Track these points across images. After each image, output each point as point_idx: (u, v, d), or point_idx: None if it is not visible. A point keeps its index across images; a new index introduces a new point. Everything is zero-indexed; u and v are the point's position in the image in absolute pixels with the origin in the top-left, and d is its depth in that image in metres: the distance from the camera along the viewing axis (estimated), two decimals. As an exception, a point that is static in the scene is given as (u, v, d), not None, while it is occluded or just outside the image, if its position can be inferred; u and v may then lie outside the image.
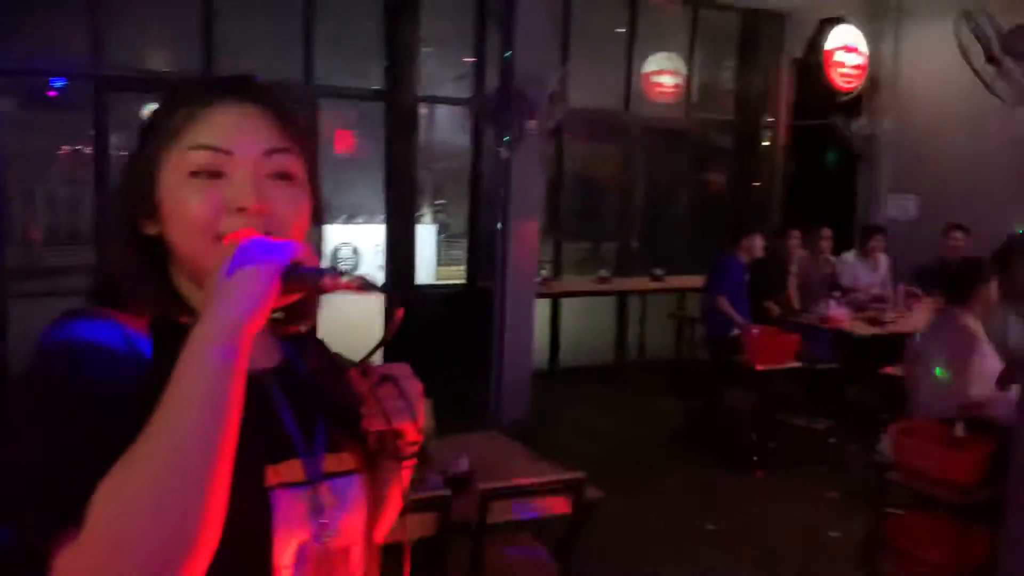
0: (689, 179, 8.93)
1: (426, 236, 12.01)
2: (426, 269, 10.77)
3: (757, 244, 6.24)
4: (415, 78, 6.77)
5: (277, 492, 0.91)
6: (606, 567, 3.96)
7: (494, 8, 6.51)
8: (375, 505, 1.04)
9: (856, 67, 8.15)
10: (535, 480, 2.79)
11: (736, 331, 5.91)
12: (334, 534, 0.96)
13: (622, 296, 7.95)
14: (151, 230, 0.93)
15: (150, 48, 6.61)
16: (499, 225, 6.10)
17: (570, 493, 2.80)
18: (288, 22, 6.36)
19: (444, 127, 10.69)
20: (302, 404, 0.99)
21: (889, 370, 5.19)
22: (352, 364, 1.02)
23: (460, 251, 8.06)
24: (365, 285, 0.84)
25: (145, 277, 0.93)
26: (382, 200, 7.05)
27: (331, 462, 0.98)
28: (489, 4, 6.88)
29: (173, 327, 0.88)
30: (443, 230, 12.77)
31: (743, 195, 8.69)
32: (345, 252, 10.66)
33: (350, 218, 11.45)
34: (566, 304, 7.66)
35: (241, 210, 0.89)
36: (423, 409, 1.03)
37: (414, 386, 1.01)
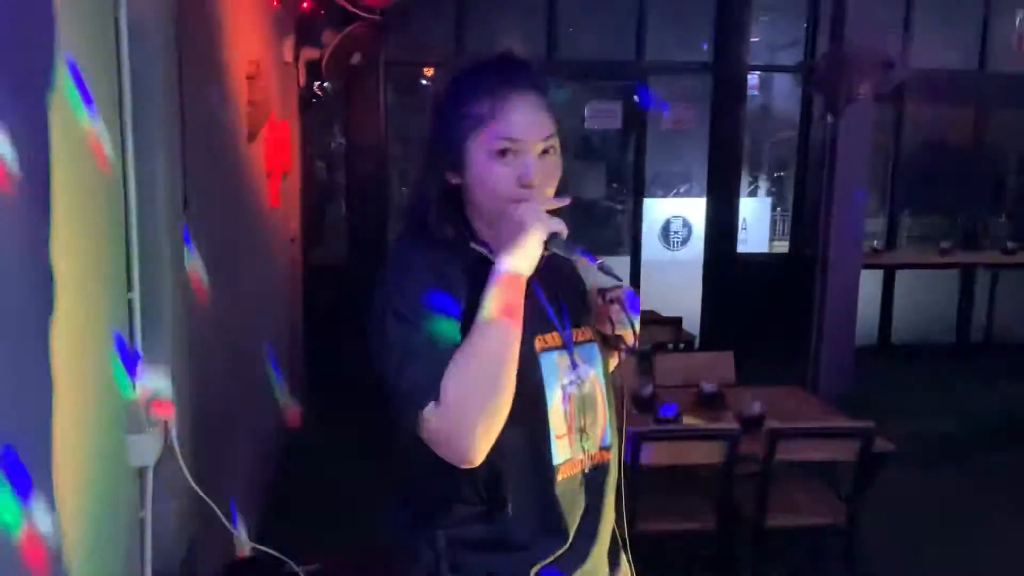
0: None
1: (759, 208, 11.94)
2: (758, 240, 10.73)
3: None
4: (744, 48, 6.86)
5: (542, 355, 1.32)
6: (895, 524, 3.85)
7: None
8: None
9: None
10: (822, 424, 2.93)
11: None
12: (586, 382, 1.37)
13: (967, 270, 7.38)
14: (454, 180, 1.30)
15: (502, 36, 7.42)
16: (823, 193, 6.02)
17: (858, 441, 2.90)
18: (623, 2, 6.79)
19: (778, 97, 10.53)
20: (551, 289, 1.37)
21: None
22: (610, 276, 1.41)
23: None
24: (603, 268, 1.26)
25: (447, 212, 1.31)
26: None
27: (577, 334, 1.39)
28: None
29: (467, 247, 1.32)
30: (779, 203, 12.56)
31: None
32: (676, 225, 10.97)
33: (680, 191, 11.71)
34: (902, 277, 7.30)
35: (524, 182, 1.26)
36: (638, 322, 1.44)
37: (634, 305, 1.40)
